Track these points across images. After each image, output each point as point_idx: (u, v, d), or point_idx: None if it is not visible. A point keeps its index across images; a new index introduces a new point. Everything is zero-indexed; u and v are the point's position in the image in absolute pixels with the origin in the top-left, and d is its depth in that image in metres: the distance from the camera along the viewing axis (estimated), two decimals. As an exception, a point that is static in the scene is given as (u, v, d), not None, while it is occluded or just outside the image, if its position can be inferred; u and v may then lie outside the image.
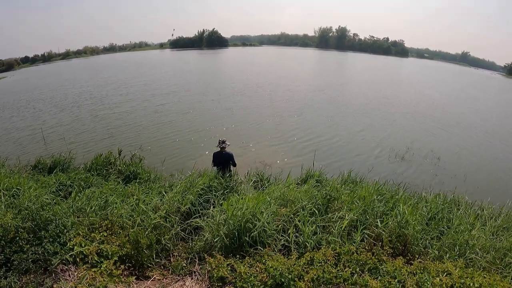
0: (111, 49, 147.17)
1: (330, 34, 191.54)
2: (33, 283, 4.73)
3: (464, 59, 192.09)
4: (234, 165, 10.60)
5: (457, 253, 6.16)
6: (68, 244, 5.38)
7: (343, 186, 9.28)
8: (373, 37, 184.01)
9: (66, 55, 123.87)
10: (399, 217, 6.69)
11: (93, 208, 6.95)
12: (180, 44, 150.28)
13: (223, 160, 10.39)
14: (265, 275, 4.82)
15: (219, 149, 10.44)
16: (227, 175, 9.98)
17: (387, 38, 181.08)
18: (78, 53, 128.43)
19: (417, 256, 5.97)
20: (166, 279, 5.48)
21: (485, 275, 5.18)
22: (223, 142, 10.44)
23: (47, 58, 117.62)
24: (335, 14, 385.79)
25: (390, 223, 6.49)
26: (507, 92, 65.23)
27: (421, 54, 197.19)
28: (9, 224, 5.39)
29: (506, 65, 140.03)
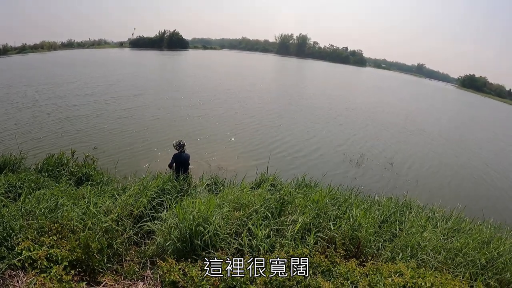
0: (69, 45, 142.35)
1: (291, 41, 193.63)
2: (-21, 290, 4.53)
3: (420, 71, 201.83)
4: (188, 164, 10.57)
5: (409, 254, 6.37)
6: (16, 249, 5.14)
7: (297, 190, 9.43)
8: (333, 45, 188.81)
9: (23, 49, 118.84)
10: (352, 220, 6.84)
11: (42, 211, 6.65)
12: (140, 43, 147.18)
13: (182, 161, 10.33)
14: (217, 278, 4.81)
15: (176, 151, 10.36)
16: (182, 177, 9.88)
17: (346, 48, 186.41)
18: (35, 48, 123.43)
19: (370, 258, 6.14)
20: (118, 284, 5.35)
21: (436, 275, 5.40)
22: (183, 145, 10.43)
23: (2, 51, 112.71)
24: (296, 21, 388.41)
25: (343, 226, 6.63)
26: (459, 103, 68.37)
27: (378, 64, 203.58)
28: (-47, 228, 5.13)
29: (460, 77, 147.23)
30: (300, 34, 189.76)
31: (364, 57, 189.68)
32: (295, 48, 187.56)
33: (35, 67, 62.17)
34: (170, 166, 10.49)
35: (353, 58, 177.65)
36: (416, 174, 18.27)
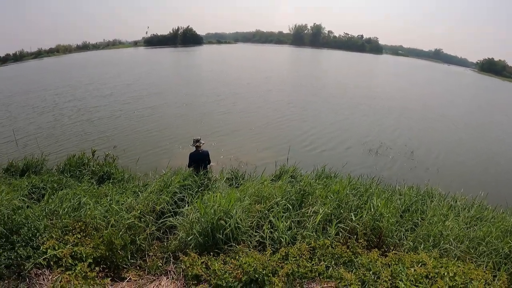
0: (84, 47, 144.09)
1: (305, 32, 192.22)
2: (7, 289, 4.63)
3: (437, 56, 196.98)
4: (209, 162, 10.51)
5: (431, 243, 6.29)
6: (41, 248, 5.26)
7: (317, 181, 9.35)
8: (348, 34, 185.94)
9: (38, 54, 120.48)
10: (373, 210, 6.80)
11: (66, 210, 6.80)
12: (154, 41, 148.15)
13: (199, 159, 10.23)
14: (239, 271, 4.82)
15: (194, 148, 10.33)
16: (202, 172, 9.85)
17: (362, 36, 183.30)
18: (51, 52, 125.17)
19: (392, 248, 6.09)
20: (142, 279, 5.41)
21: (459, 264, 5.31)
22: (198, 140, 10.28)
23: (19, 57, 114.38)
24: (309, 11, 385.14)
25: (365, 216, 6.59)
26: (480, 88, 66.93)
27: (395, 51, 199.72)
28: (-20, 229, 5.26)
29: (478, 61, 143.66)
30: (314, 24, 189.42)
31: (380, 45, 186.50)
32: (310, 38, 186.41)
33: (52, 71, 63.41)
34: (189, 166, 10.42)
35: (369, 46, 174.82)
36: (437, 161, 17.95)
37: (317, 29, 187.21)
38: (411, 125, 25.71)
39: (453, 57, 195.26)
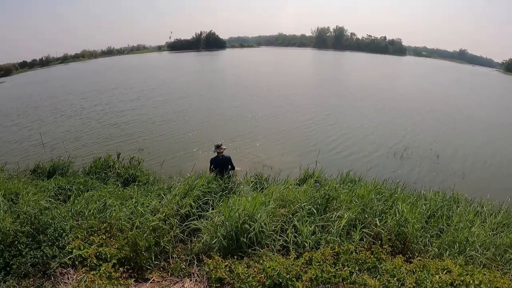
0: (109, 52, 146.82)
1: (328, 34, 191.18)
2: (32, 287, 4.72)
3: (462, 57, 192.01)
4: (233, 168, 10.51)
5: (457, 250, 6.13)
6: (67, 248, 5.36)
7: (341, 185, 9.28)
8: (371, 36, 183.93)
9: (64, 59, 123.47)
10: (398, 215, 6.68)
11: (91, 211, 6.94)
12: (178, 46, 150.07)
13: (221, 164, 10.25)
14: (263, 275, 4.81)
15: (215, 154, 10.37)
16: (226, 176, 9.86)
17: (385, 37, 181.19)
18: (76, 57, 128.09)
19: (416, 254, 5.97)
20: (165, 281, 5.46)
21: (485, 272, 5.16)
22: (219, 146, 10.35)
23: (45, 62, 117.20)
24: (332, 13, 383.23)
25: (389, 221, 6.48)
26: (506, 89, 65.31)
27: (418, 52, 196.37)
28: (8, 228, 5.38)
29: (504, 61, 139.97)
30: (337, 26, 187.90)
31: (404, 46, 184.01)
32: (332, 40, 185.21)
33: (78, 75, 64.92)
34: (210, 170, 10.42)
35: (392, 48, 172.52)
36: (463, 165, 17.53)
37: (340, 31, 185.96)
38: (437, 128, 25.19)
39: (478, 58, 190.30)
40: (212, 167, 10.29)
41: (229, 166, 10.44)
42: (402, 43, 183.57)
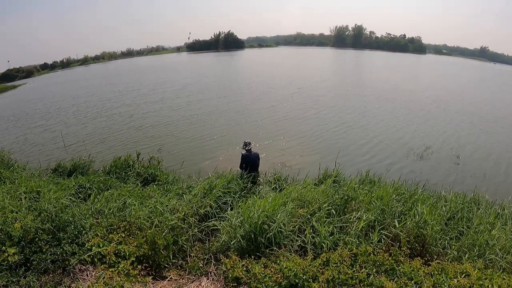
0: (129, 53, 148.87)
1: (346, 33, 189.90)
2: (51, 283, 4.83)
3: (483, 54, 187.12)
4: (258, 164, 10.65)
5: (477, 253, 6.01)
6: (87, 245, 5.48)
7: (360, 186, 9.21)
8: (390, 34, 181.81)
9: (85, 61, 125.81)
10: (417, 217, 6.60)
11: (111, 210, 7.08)
12: (196, 47, 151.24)
13: (252, 160, 10.44)
14: (279, 275, 4.83)
15: (244, 151, 10.50)
16: (252, 175, 9.97)
17: (404, 35, 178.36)
18: (96, 59, 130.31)
19: (435, 257, 5.90)
20: (182, 279, 5.52)
21: (504, 277, 5.07)
22: (249, 143, 10.57)
23: (66, 64, 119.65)
24: (350, 12, 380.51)
25: (409, 223, 6.41)
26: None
27: (439, 50, 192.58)
28: (29, 225, 5.50)
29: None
30: (356, 25, 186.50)
31: (424, 44, 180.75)
32: (351, 39, 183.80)
33: (99, 76, 65.84)
34: (240, 167, 10.59)
35: (412, 46, 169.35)
36: (484, 166, 17.05)
37: (359, 30, 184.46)
38: (458, 128, 24.66)
39: (499, 55, 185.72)
40: (243, 163, 10.47)
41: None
42: (422, 41, 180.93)
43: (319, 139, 20.97)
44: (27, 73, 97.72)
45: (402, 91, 40.83)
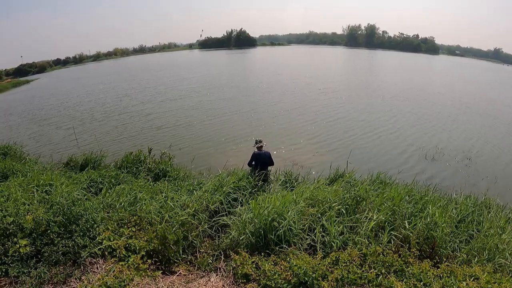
0: (141, 50, 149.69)
1: (359, 32, 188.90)
2: (62, 274, 4.91)
3: (497, 56, 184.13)
4: (272, 164, 10.55)
5: (486, 257, 5.99)
6: (97, 238, 5.56)
7: (372, 186, 9.18)
8: (403, 34, 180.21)
9: (97, 57, 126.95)
10: (428, 218, 6.57)
11: (122, 204, 7.16)
12: (208, 44, 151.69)
13: (262, 159, 10.34)
14: (289, 273, 4.84)
15: (255, 149, 10.49)
16: (263, 173, 9.89)
17: (417, 35, 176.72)
18: (109, 55, 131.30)
19: (444, 259, 5.86)
20: (191, 274, 5.56)
21: (513, 281, 5.05)
22: (260, 141, 10.50)
23: (79, 60, 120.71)
24: (363, 12, 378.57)
25: (419, 224, 6.40)
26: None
27: (452, 51, 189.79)
28: (41, 218, 5.60)
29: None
30: (368, 24, 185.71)
31: (437, 44, 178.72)
32: (364, 39, 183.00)
33: (111, 73, 66.10)
34: (249, 164, 10.54)
35: (424, 46, 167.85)
36: (495, 169, 16.93)
37: (371, 29, 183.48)
38: (471, 130, 24.42)
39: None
40: (253, 161, 10.40)
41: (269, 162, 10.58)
42: (435, 42, 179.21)
43: (331, 136, 21.07)
44: (40, 68, 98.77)
45: (418, 91, 40.64)
